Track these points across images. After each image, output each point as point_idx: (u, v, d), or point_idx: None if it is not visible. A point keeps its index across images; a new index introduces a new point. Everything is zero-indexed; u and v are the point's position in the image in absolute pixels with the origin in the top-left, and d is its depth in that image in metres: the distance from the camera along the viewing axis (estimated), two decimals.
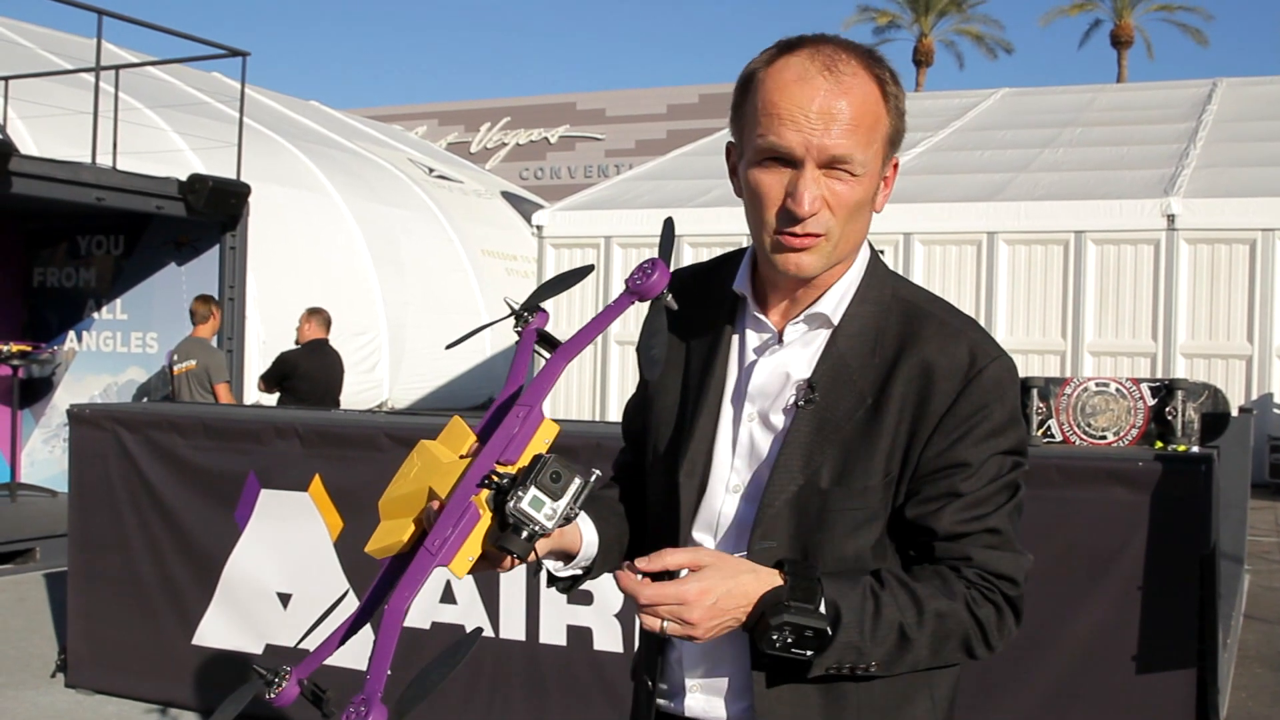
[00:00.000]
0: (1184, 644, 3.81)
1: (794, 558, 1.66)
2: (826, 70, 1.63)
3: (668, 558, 1.60)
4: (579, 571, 1.82)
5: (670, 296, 1.62)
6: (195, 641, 5.34)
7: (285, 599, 5.17)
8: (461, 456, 1.62)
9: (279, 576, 5.19)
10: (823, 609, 1.56)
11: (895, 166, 1.75)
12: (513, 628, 4.73)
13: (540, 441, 1.56)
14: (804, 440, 1.69)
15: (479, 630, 1.65)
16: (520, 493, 1.50)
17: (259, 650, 5.20)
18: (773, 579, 1.60)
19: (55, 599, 7.08)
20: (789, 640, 1.55)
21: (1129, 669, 3.83)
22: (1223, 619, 4.38)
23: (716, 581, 1.57)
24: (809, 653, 1.56)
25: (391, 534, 1.61)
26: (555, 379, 1.59)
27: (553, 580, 1.83)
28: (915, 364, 1.68)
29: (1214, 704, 3.80)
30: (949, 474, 1.66)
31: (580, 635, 4.63)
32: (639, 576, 1.60)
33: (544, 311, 1.69)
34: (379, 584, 1.66)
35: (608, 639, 4.59)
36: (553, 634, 4.68)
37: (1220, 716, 4.01)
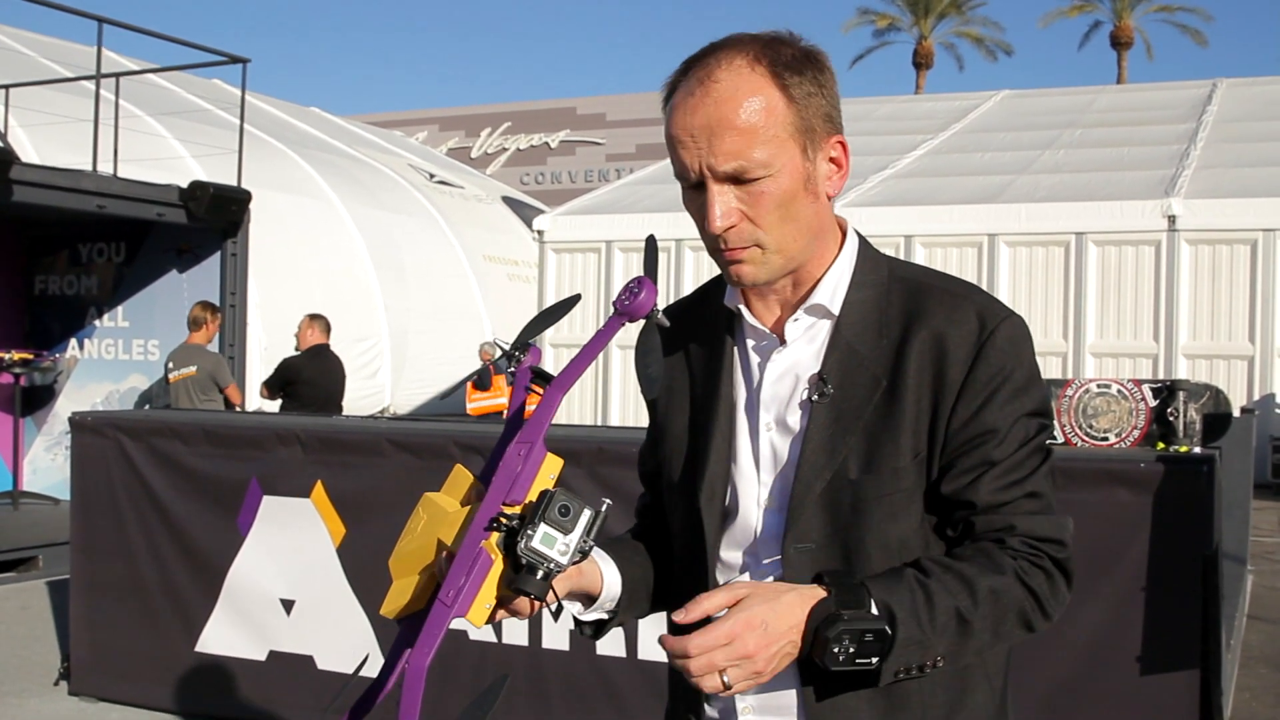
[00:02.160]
0: (1187, 645, 3.80)
1: (832, 568, 1.60)
2: (700, 84, 1.61)
3: (704, 603, 1.53)
4: (604, 615, 1.77)
5: (660, 313, 1.60)
6: (198, 648, 5.34)
7: (288, 605, 5.17)
8: (465, 503, 1.60)
9: (282, 583, 5.19)
10: (875, 610, 1.51)
11: (843, 145, 1.68)
12: (515, 633, 4.73)
13: (545, 477, 1.53)
14: (824, 434, 1.65)
15: (506, 677, 1.62)
16: (530, 531, 1.47)
17: (262, 657, 5.20)
18: (815, 593, 1.53)
19: (58, 607, 7.08)
20: (851, 650, 1.48)
21: (1132, 670, 3.83)
22: (1226, 619, 4.38)
23: (760, 606, 1.50)
24: (874, 660, 1.50)
25: (405, 592, 1.59)
26: (553, 413, 1.57)
27: (580, 626, 1.78)
28: (925, 338, 1.65)
29: (1217, 705, 3.80)
30: (979, 442, 1.63)
31: (583, 640, 4.62)
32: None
33: (535, 348, 1.69)
34: (398, 643, 1.64)
35: (610, 643, 4.58)
36: (555, 639, 4.68)
37: (1224, 717, 4.00)
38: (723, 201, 1.61)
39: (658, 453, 1.86)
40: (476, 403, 17.19)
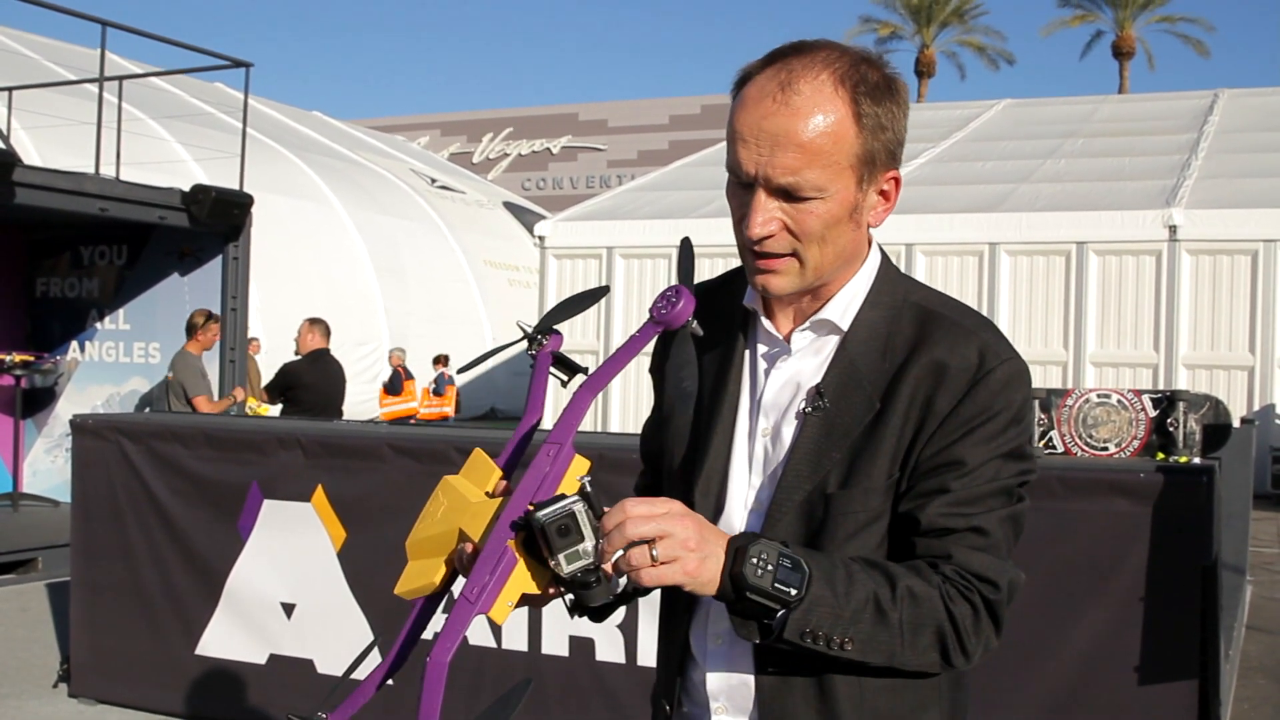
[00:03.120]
0: (1186, 655, 3.81)
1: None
2: (780, 89, 1.59)
3: (628, 505, 1.50)
4: (609, 599, 1.80)
5: (695, 323, 1.61)
6: (199, 651, 5.35)
7: (289, 609, 5.17)
8: (489, 495, 1.60)
9: (282, 587, 5.19)
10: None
11: (896, 181, 1.69)
12: (515, 638, 4.74)
13: (572, 478, 1.53)
14: (812, 446, 1.67)
15: (529, 681, 1.62)
16: (555, 563, 1.46)
17: (263, 660, 5.21)
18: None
19: (58, 609, 7.09)
20: (770, 568, 1.49)
21: (1130, 680, 3.83)
22: (1224, 630, 4.39)
23: (682, 509, 1.52)
24: (792, 590, 1.50)
25: (422, 575, 1.59)
26: (583, 414, 1.57)
27: (586, 610, 1.80)
28: (924, 364, 1.65)
29: (1216, 715, 3.80)
30: (942, 471, 1.62)
31: (582, 646, 4.64)
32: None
33: (558, 334, 1.68)
34: (411, 628, 1.64)
35: (610, 650, 4.59)
36: (555, 645, 4.69)
37: None
38: (766, 211, 1.61)
39: (661, 435, 1.87)
40: (388, 407, 17.24)
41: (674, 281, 1.69)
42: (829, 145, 1.58)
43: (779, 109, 1.58)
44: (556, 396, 12.27)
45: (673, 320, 1.60)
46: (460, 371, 1.99)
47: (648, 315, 1.64)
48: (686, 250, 1.70)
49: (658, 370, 1.90)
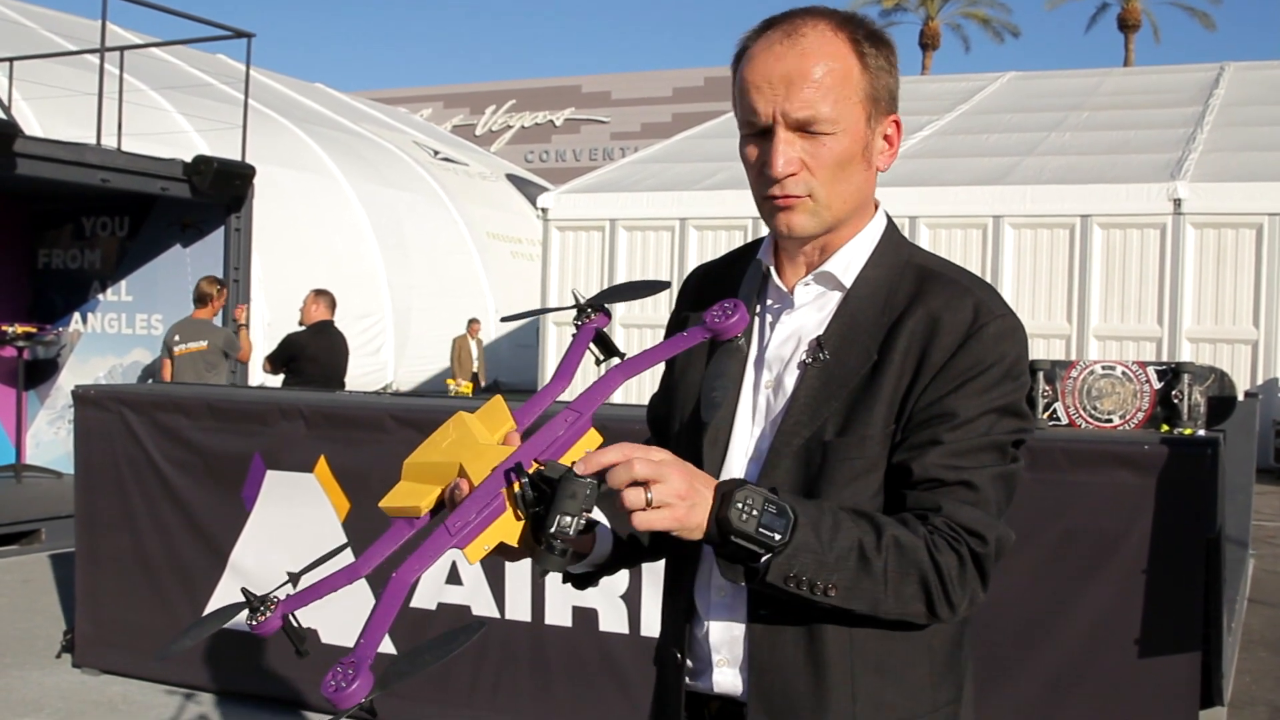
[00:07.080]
0: (1188, 628, 3.81)
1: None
2: (786, 36, 1.70)
3: (627, 448, 1.52)
4: (591, 569, 1.83)
5: (742, 341, 1.68)
6: None
7: (294, 579, 5.18)
8: (500, 444, 1.61)
9: (287, 557, 5.18)
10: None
11: (898, 125, 1.78)
12: (518, 609, 4.75)
13: (581, 450, 1.55)
14: (811, 396, 1.71)
15: (482, 623, 1.63)
16: (550, 518, 1.46)
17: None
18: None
19: (61, 580, 7.11)
20: (755, 513, 1.51)
21: (1133, 652, 3.84)
22: (1227, 603, 4.39)
23: (674, 458, 1.54)
24: (776, 535, 1.52)
25: (411, 497, 1.60)
26: (611, 392, 1.59)
27: (567, 577, 1.83)
28: (919, 316, 1.70)
29: (1218, 687, 3.81)
30: (934, 423, 1.66)
31: (586, 616, 4.65)
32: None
33: (607, 313, 1.70)
34: (382, 544, 1.64)
35: (613, 620, 4.60)
36: (558, 615, 4.70)
37: (1224, 700, 4.01)
38: (788, 149, 1.68)
39: (669, 400, 1.92)
40: None
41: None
42: (838, 81, 1.68)
43: (787, 51, 1.69)
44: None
45: (724, 330, 1.63)
46: (504, 320, 2.03)
47: (700, 320, 1.66)
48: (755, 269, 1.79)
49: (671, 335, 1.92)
